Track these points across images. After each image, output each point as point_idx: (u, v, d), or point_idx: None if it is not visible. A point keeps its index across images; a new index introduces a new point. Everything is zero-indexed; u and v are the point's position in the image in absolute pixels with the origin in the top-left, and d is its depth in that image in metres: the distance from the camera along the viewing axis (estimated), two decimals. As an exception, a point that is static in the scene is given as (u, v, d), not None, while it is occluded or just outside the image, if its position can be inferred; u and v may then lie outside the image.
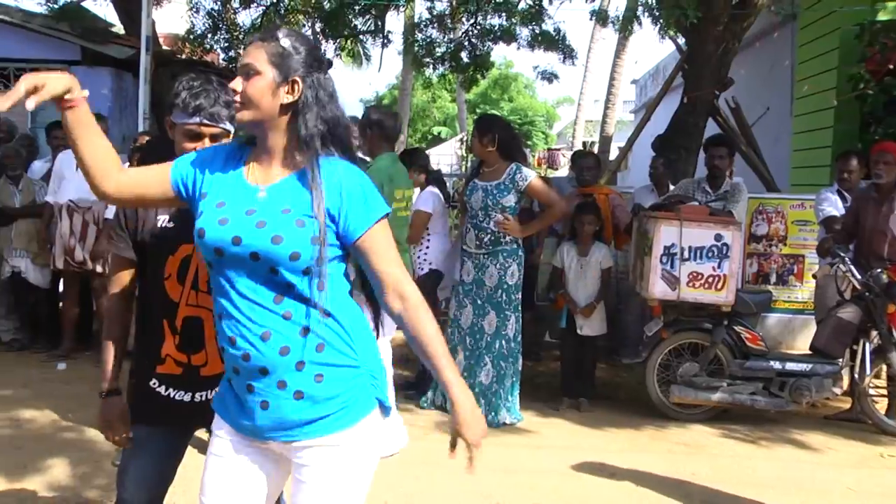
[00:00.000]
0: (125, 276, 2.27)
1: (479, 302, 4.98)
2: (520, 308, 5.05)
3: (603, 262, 5.36)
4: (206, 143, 2.20)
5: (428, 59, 11.15)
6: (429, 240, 5.51)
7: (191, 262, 2.20)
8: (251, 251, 1.73)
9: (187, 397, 2.24)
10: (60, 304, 6.39)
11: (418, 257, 5.49)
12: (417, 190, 5.53)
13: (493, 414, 4.92)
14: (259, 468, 1.87)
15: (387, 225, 1.82)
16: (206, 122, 2.20)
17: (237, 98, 1.78)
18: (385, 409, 1.89)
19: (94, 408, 4.73)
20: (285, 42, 1.78)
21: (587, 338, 5.35)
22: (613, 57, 17.67)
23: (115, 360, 2.25)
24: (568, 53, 10.41)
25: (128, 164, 5.95)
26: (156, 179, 1.87)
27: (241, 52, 10.41)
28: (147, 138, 6.41)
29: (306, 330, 1.76)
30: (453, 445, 1.86)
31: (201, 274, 2.19)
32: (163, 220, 2.22)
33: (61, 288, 6.34)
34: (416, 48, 11.03)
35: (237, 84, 1.79)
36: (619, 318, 6.25)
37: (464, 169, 19.10)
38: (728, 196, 5.50)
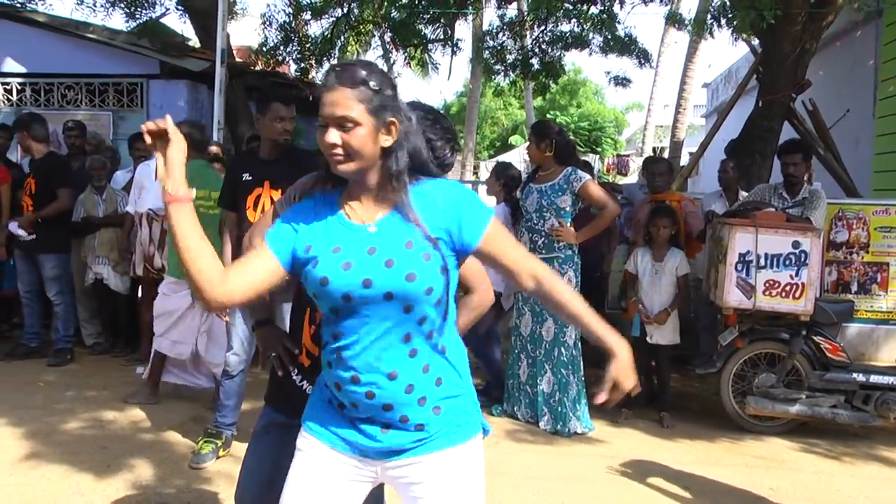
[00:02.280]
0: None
1: (536, 309, 4.95)
2: None
3: (679, 268, 5.22)
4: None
5: (499, 67, 11.16)
6: None
7: None
8: (385, 292, 1.73)
9: (310, 390, 2.28)
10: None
11: None
12: (493, 199, 5.69)
13: (560, 423, 4.87)
14: (347, 488, 1.88)
15: (498, 222, 1.85)
16: None
17: (337, 151, 1.76)
18: (485, 432, 1.94)
19: (171, 411, 4.89)
20: (374, 85, 1.75)
21: (658, 347, 5.24)
22: (685, 60, 17.35)
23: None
24: (643, 58, 10.28)
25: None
26: (264, 270, 1.79)
27: (311, 63, 10.66)
28: (215, 148, 6.59)
29: (427, 367, 1.79)
30: (609, 390, 1.85)
31: None
32: None
33: (139, 294, 6.55)
34: (487, 55, 11.05)
35: (335, 137, 1.74)
36: (693, 327, 6.11)
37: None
38: (806, 202, 5.33)
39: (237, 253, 3.92)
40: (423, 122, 2.23)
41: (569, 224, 4.93)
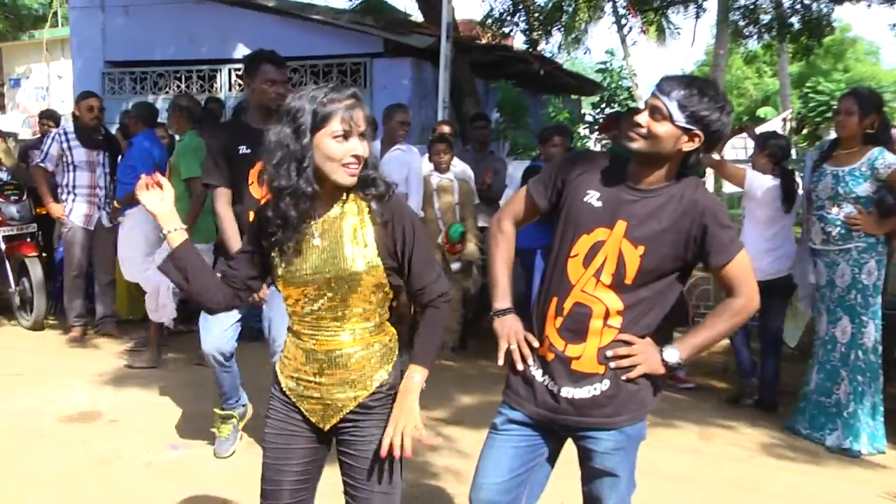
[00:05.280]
0: (522, 212, 2.46)
1: (830, 306, 4.60)
2: (880, 314, 4.56)
3: None
4: (643, 115, 2.20)
5: (750, 29, 10.56)
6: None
7: (601, 248, 2.24)
8: None
9: (555, 388, 2.30)
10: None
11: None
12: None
13: (851, 439, 4.50)
14: None
15: None
16: (655, 92, 2.20)
17: None
18: None
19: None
20: None
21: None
22: None
23: (508, 281, 2.44)
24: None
25: (427, 154, 6.32)
26: None
27: (540, 34, 10.66)
28: (447, 128, 6.77)
29: None
30: None
31: (608, 265, 2.23)
32: (592, 195, 2.28)
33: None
34: (736, 17, 10.50)
35: None
36: None
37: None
38: None
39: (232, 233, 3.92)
40: (688, 99, 2.13)
41: (870, 210, 4.49)
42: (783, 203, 5.02)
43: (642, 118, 2.19)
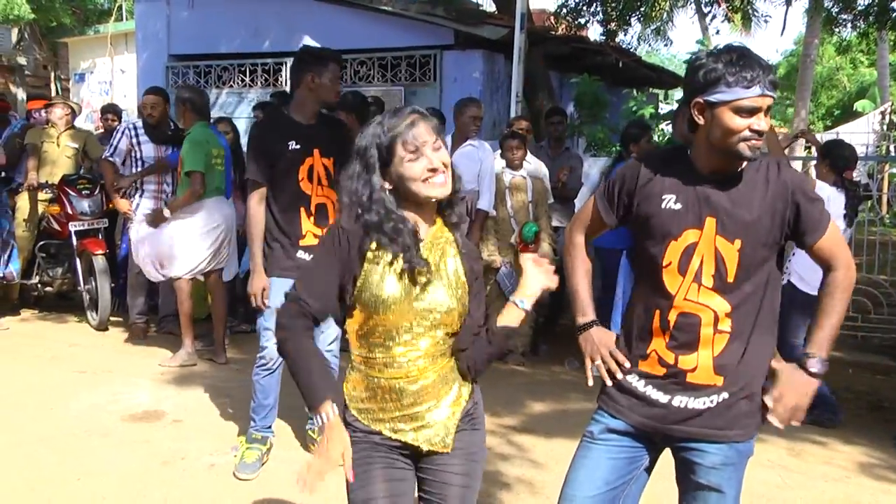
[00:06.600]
0: (593, 226, 2.47)
1: None
2: None
3: None
4: (762, 118, 2.11)
5: (845, 16, 10.24)
6: None
7: (694, 251, 2.20)
8: None
9: (665, 399, 2.26)
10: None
11: None
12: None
13: None
14: None
15: None
16: (767, 91, 2.09)
17: None
18: None
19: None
20: None
21: None
22: None
23: (589, 294, 2.48)
24: None
25: (499, 150, 6.31)
26: None
27: (618, 25, 10.52)
28: (525, 123, 6.75)
29: None
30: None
31: (706, 267, 2.19)
32: (669, 199, 2.24)
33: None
34: (829, 3, 10.21)
35: None
36: None
37: (883, 150, 17.21)
38: None
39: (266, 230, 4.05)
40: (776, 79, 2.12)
41: None
42: (845, 217, 4.88)
43: (763, 124, 2.11)
